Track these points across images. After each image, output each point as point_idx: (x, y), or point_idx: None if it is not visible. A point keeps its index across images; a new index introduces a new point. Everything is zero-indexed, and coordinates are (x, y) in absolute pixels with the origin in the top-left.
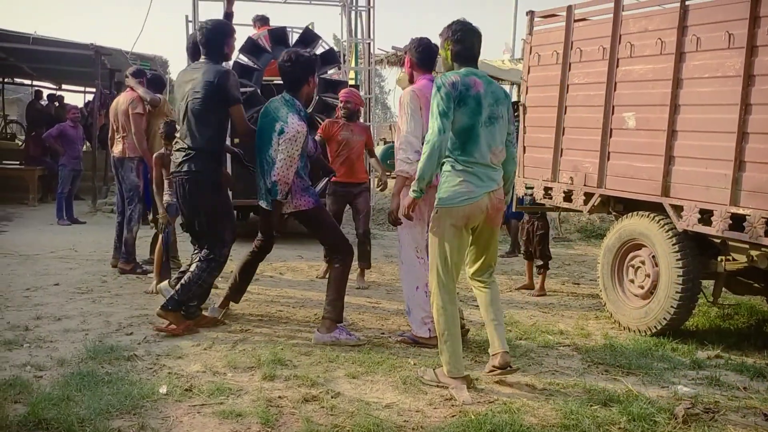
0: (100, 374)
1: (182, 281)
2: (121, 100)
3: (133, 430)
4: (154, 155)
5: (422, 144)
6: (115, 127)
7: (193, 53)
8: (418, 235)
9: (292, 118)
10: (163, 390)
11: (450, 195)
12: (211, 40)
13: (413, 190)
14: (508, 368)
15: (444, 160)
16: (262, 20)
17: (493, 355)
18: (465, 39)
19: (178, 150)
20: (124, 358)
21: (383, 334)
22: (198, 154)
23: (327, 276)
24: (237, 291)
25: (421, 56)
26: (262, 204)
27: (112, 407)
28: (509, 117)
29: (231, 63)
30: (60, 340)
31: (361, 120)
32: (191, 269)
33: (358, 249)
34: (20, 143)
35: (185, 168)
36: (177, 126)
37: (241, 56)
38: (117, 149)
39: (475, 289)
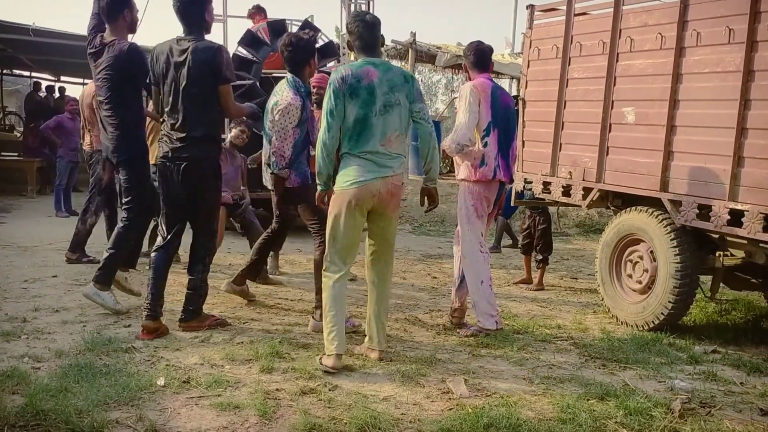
0: (97, 366)
1: (188, 289)
2: (86, 92)
3: (130, 422)
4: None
5: (473, 134)
6: (82, 119)
7: (106, 16)
8: (480, 230)
9: (288, 92)
10: (160, 382)
11: (342, 179)
12: (190, 11)
13: (318, 184)
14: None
15: (343, 151)
16: (258, 9)
17: (370, 348)
18: (362, 32)
19: (175, 137)
20: (122, 349)
21: None
22: (200, 141)
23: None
24: (253, 270)
25: (476, 59)
26: (266, 183)
27: (109, 399)
28: (414, 97)
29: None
30: (58, 332)
31: None
32: (190, 277)
33: None
34: (18, 135)
35: (185, 154)
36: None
37: (240, 48)
38: (86, 142)
39: (368, 283)
